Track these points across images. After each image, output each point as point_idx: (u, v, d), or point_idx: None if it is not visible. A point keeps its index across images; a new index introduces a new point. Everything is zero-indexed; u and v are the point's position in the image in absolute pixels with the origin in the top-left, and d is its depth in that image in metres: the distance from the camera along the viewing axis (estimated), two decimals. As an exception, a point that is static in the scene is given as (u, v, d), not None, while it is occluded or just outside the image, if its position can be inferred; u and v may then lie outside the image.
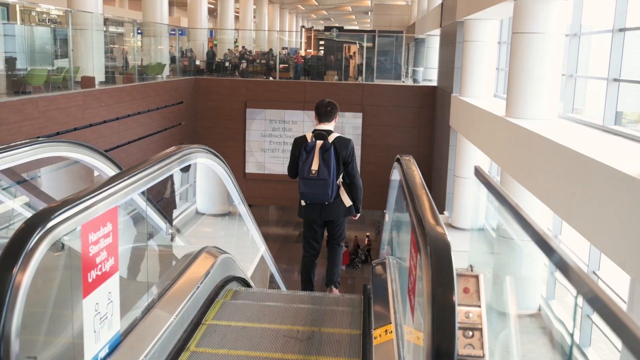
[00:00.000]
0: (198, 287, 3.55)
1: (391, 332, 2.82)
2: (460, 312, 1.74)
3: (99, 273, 2.28)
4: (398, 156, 3.74)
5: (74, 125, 11.01)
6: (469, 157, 12.48)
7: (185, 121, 18.53)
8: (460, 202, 12.86)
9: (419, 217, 1.98)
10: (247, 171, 19.92)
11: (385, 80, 20.61)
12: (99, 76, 13.57)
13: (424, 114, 18.88)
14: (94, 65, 13.34)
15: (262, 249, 6.51)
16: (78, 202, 2.12)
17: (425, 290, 1.53)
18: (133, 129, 14.34)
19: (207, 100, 19.53)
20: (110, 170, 4.15)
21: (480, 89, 12.33)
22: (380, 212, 25.49)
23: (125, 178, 2.55)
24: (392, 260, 4.03)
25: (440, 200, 16.99)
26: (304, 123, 19.43)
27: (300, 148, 4.63)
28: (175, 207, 5.60)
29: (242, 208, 5.19)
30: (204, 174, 4.48)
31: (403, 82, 21.20)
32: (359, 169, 4.86)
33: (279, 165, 19.82)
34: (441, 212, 16.58)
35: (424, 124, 18.92)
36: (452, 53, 14.13)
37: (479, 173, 2.68)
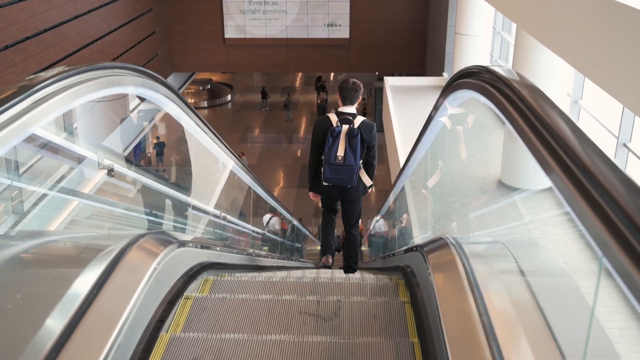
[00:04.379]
0: (111, 348, 1.82)
1: None
2: None
3: None
4: (474, 69, 2.08)
5: (25, 35, 9.80)
6: (472, 12, 11.20)
7: (155, 7, 16.84)
8: (462, 63, 11.74)
9: None
10: (226, 36, 18.40)
11: None
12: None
13: (418, -37, 17.15)
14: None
15: (230, 164, 5.76)
16: None
17: None
18: (96, 26, 12.89)
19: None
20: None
21: None
22: (372, 75, 24.31)
23: None
24: (465, 251, 2.30)
25: (438, 60, 15.81)
26: (286, -21, 17.66)
27: (324, 131, 4.64)
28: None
29: (204, 136, 4.27)
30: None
31: None
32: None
33: (260, 27, 18.27)
34: (440, 74, 15.43)
35: (419, -25, 17.25)
36: None
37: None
